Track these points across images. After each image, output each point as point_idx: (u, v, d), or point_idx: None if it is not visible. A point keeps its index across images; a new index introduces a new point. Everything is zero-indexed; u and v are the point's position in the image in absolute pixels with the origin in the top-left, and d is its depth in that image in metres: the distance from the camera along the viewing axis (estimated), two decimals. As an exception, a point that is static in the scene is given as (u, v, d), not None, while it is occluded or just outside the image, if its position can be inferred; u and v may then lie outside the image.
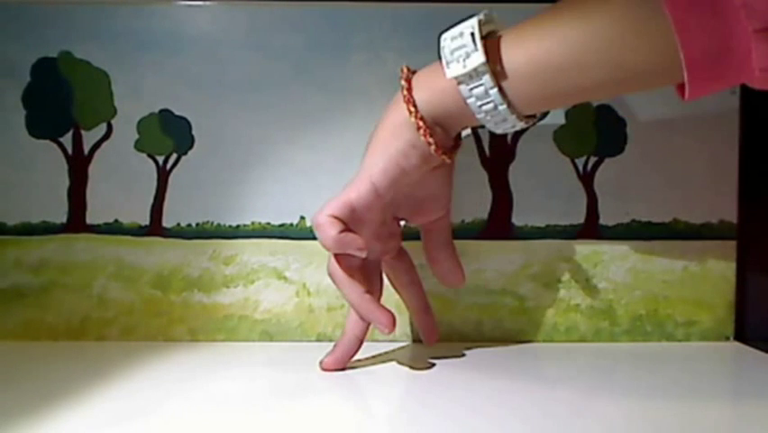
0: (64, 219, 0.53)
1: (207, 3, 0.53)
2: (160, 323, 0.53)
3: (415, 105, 0.40)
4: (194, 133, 0.53)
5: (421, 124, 0.40)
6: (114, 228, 0.53)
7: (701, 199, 0.54)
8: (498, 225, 0.54)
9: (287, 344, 0.53)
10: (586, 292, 0.54)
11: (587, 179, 0.54)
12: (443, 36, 0.39)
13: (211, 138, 0.53)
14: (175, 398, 0.39)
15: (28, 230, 0.53)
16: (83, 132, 0.53)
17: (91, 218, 0.53)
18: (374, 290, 0.46)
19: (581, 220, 0.54)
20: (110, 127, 0.53)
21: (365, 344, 0.53)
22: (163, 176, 0.53)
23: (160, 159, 0.53)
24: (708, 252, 0.54)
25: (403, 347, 0.52)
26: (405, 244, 0.48)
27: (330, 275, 0.44)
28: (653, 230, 0.54)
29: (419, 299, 0.49)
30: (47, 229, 0.53)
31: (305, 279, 0.53)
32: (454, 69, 0.38)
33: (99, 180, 0.53)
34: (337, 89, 0.53)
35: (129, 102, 0.53)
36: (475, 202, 0.54)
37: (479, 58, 0.37)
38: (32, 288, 0.53)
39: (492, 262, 0.54)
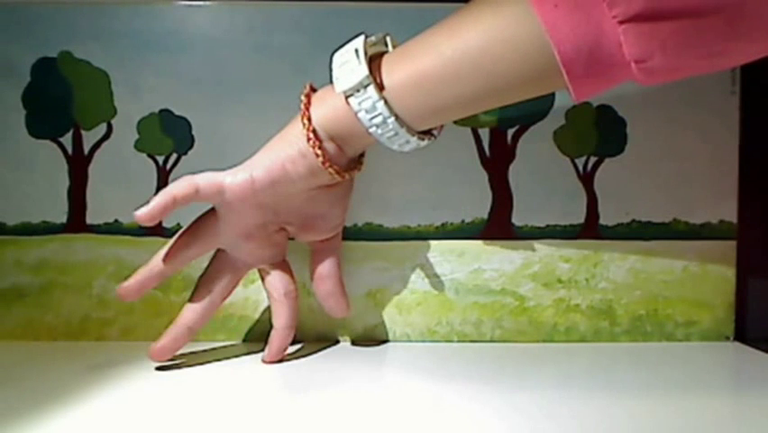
0: (64, 219, 0.53)
1: (207, 3, 0.53)
2: (160, 323, 0.53)
3: (309, 119, 0.42)
4: (194, 133, 0.53)
5: (311, 135, 0.41)
6: (114, 228, 0.53)
7: (701, 199, 0.54)
8: (498, 225, 0.54)
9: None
10: (586, 292, 0.54)
11: (587, 179, 0.54)
12: (335, 54, 0.42)
13: (211, 138, 0.53)
14: (175, 398, 0.39)
15: (28, 230, 0.53)
16: (83, 132, 0.53)
17: (91, 218, 0.53)
18: (217, 291, 0.47)
19: (581, 220, 0.54)
20: (110, 127, 0.53)
21: (365, 344, 0.53)
22: (163, 176, 0.53)
23: (160, 159, 0.53)
24: (708, 252, 0.54)
25: (401, 347, 0.52)
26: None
27: None
28: (653, 230, 0.54)
29: (287, 316, 0.47)
30: (47, 229, 0.53)
31: (305, 279, 0.53)
32: (342, 84, 0.40)
33: (99, 180, 0.53)
34: (337, 89, 0.53)
35: (129, 102, 0.53)
36: (475, 202, 0.54)
37: (362, 71, 0.39)
38: (32, 288, 0.53)
39: (492, 262, 0.54)
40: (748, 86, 0.54)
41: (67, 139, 0.53)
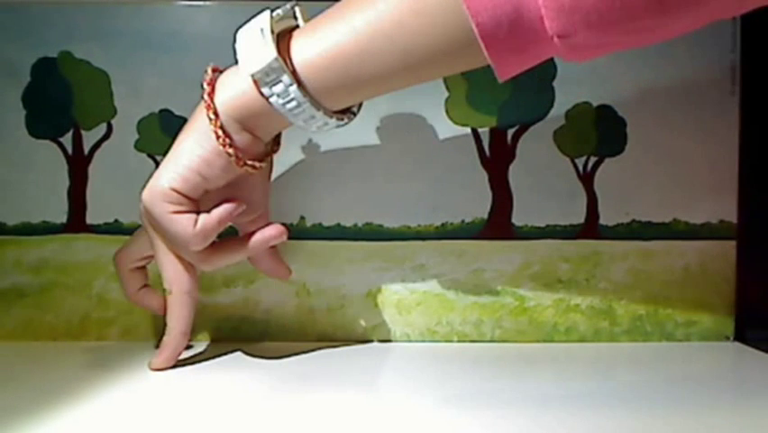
0: (64, 219, 0.53)
1: (207, 3, 0.53)
2: (160, 323, 0.53)
3: (215, 113, 0.39)
4: (194, 133, 0.53)
5: (220, 133, 0.38)
6: (114, 228, 0.53)
7: (701, 199, 0.54)
8: (498, 225, 0.54)
9: (287, 344, 0.53)
10: (586, 292, 0.54)
11: (587, 179, 0.54)
12: (239, 32, 0.38)
13: (211, 138, 0.53)
14: (175, 398, 0.39)
15: (28, 230, 0.53)
16: (83, 132, 0.53)
17: (91, 218, 0.53)
18: (191, 289, 0.44)
19: (581, 220, 0.54)
20: (110, 127, 0.53)
21: (365, 344, 0.53)
22: (163, 176, 0.53)
23: (160, 159, 0.53)
24: (708, 252, 0.54)
25: (401, 347, 0.52)
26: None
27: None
28: (653, 230, 0.54)
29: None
30: (47, 229, 0.53)
31: (305, 279, 0.53)
32: (249, 67, 0.37)
33: (99, 180, 0.53)
34: (337, 89, 0.53)
35: (129, 102, 0.53)
36: (475, 202, 0.54)
37: (270, 53, 0.36)
38: (32, 288, 0.53)
39: (492, 262, 0.54)
40: (748, 86, 0.54)
41: (67, 139, 0.53)
